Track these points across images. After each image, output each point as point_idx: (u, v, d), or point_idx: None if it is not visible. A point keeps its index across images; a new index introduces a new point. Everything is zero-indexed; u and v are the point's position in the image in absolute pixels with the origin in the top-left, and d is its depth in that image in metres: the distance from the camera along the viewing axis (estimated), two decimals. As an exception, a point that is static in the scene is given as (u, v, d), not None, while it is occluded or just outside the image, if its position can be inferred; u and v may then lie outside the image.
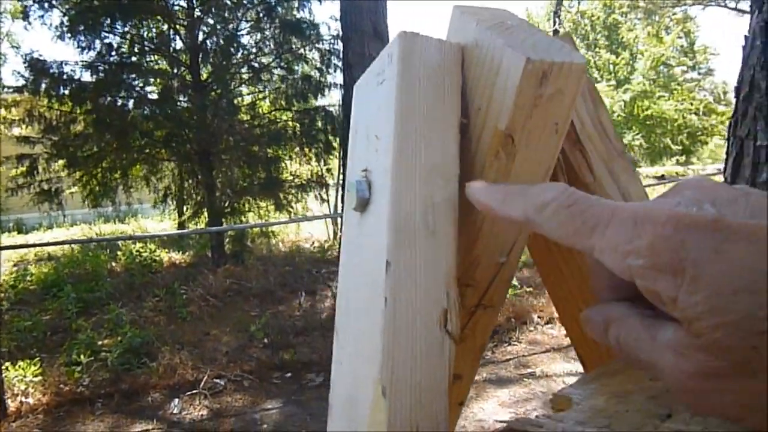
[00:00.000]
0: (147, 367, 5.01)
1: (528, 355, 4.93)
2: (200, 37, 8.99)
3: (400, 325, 0.36)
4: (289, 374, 4.98)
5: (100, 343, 5.35)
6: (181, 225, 10.46)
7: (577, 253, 0.47)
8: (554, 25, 16.09)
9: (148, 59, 9.56)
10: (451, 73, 0.40)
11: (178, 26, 9.01)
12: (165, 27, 9.20)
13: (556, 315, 5.64)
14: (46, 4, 8.39)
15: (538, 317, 5.73)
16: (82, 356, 4.96)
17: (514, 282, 5.76)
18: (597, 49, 26.05)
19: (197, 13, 8.87)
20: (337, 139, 9.23)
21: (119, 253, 9.11)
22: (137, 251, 9.00)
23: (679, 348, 0.25)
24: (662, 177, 20.17)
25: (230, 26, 8.91)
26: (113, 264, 8.73)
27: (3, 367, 4.58)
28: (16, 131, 9.11)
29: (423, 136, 0.39)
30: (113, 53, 8.90)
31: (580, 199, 0.29)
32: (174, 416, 4.35)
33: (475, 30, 0.40)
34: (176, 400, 4.55)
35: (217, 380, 4.83)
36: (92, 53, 8.62)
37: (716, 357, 0.23)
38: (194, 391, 4.64)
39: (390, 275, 0.36)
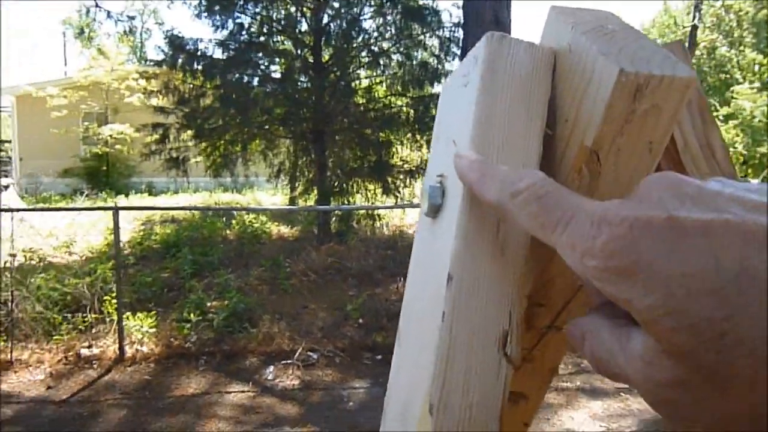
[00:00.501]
0: (248, 333, 5.29)
1: (628, 370, 4.68)
2: (324, 20, 9.25)
3: (456, 342, 0.34)
4: (379, 356, 5.06)
5: (208, 304, 5.72)
6: (292, 200, 10.91)
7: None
8: (693, 20, 14.87)
9: (275, 39, 9.97)
10: (540, 80, 0.38)
11: (304, 9, 9.32)
12: (293, 9, 9.54)
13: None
14: (188, -16, 8.98)
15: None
16: (192, 315, 5.33)
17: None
18: (741, 48, 23.89)
19: (323, -4, 9.11)
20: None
21: (234, 222, 9.66)
22: (250, 222, 9.50)
23: (647, 356, 0.23)
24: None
25: (354, 10, 9.07)
26: (227, 232, 9.26)
27: (124, 317, 5.03)
28: (154, 101, 9.87)
29: (501, 147, 0.37)
30: (243, 33, 9.38)
31: (553, 191, 0.28)
32: (267, 382, 4.57)
33: (569, 34, 0.37)
34: (271, 367, 4.78)
35: (311, 353, 5.01)
36: (225, 32, 9.14)
37: (683, 364, 0.22)
38: (288, 361, 4.85)
39: (450, 289, 0.35)
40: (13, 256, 6.25)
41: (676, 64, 0.33)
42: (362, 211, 9.51)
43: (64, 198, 14.07)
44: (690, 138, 0.39)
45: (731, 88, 21.04)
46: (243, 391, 4.43)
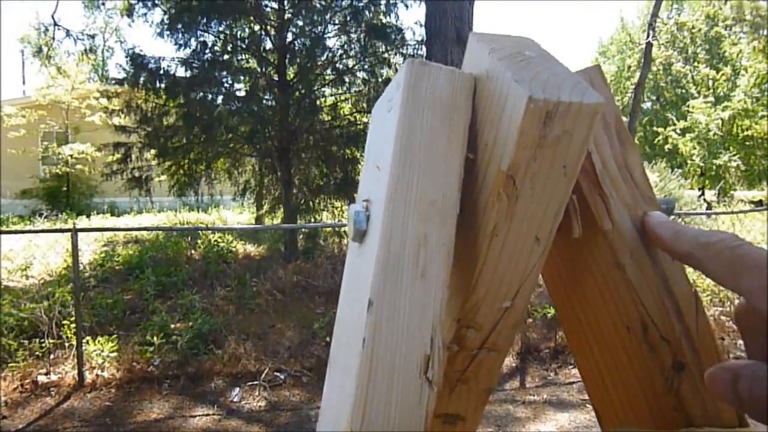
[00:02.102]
0: (213, 354, 5.20)
1: (593, 381, 4.74)
2: (289, 38, 9.26)
3: (376, 367, 0.34)
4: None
5: (172, 326, 5.60)
6: (259, 219, 10.81)
7: (594, 297, 0.43)
8: (648, 37, 15.35)
9: (239, 57, 9.93)
10: (460, 105, 0.38)
11: (268, 27, 9.32)
12: (257, 27, 9.53)
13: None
14: (149, 3, 8.90)
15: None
16: (155, 337, 5.21)
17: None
18: (696, 63, 24.73)
19: (288, 15, 9.13)
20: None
21: (199, 241, 9.51)
22: (215, 241, 9.37)
23: None
24: (759, 203, 18.87)
25: (318, 29, 9.10)
26: (192, 252, 9.11)
27: (84, 341, 4.89)
28: (116, 120, 9.70)
29: (422, 171, 0.37)
30: (207, 51, 9.32)
31: (744, 244, 0.31)
32: (234, 404, 4.49)
33: (488, 60, 0.38)
34: (237, 389, 4.69)
35: (278, 373, 4.94)
36: (188, 50, 9.07)
37: None
38: (255, 382, 4.77)
39: (371, 314, 0.35)
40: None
41: (586, 90, 0.33)
42: (329, 229, 9.48)
43: (23, 220, 13.65)
44: (608, 160, 0.40)
45: (687, 103, 21.75)
46: (208, 414, 4.33)
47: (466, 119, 0.38)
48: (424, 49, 8.27)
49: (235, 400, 4.56)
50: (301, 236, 9.29)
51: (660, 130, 21.23)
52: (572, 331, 0.47)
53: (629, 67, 26.53)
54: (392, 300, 0.35)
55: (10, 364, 4.81)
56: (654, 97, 26.52)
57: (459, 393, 0.46)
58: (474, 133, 0.39)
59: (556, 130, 0.33)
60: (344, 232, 10.08)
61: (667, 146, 21.15)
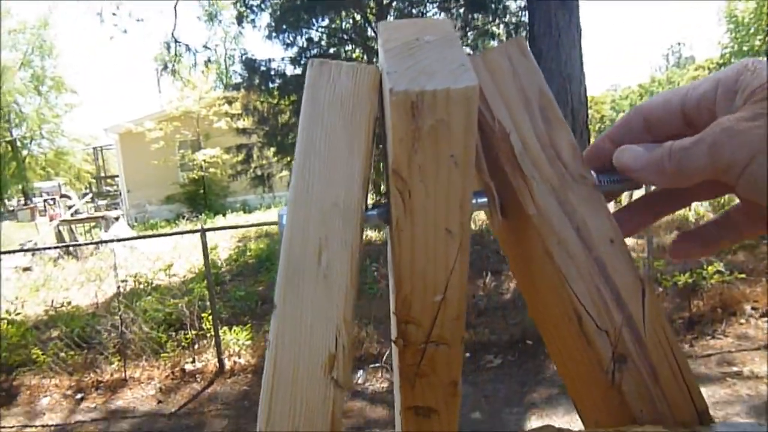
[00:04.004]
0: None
1: (735, 351, 4.34)
2: (390, 22, 9.31)
3: (282, 368, 0.35)
4: (468, 354, 5.02)
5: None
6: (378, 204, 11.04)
7: (538, 284, 0.41)
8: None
9: (345, 49, 10.17)
10: (363, 101, 0.38)
11: (369, 15, 9.43)
12: (358, 17, 9.69)
13: (775, 307, 4.87)
14: (255, 8, 9.35)
15: (752, 308, 4.99)
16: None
17: (721, 268, 5.06)
18: None
19: (385, 0, 9.18)
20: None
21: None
22: (337, 229, 9.70)
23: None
24: None
25: (416, 9, 9.06)
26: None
27: (221, 331, 5.32)
28: (239, 124, 10.37)
29: (323, 173, 0.37)
30: (313, 47, 9.63)
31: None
32: (358, 386, 4.66)
33: (381, 51, 0.37)
34: (361, 371, 4.87)
35: (398, 355, 5.05)
36: (295, 48, 9.43)
37: None
38: (377, 364, 4.91)
39: (276, 317, 0.35)
40: (124, 281, 6.80)
41: (460, 75, 0.32)
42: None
43: (169, 223, 15.05)
44: (530, 140, 0.38)
45: None
46: (335, 397, 4.54)
47: (371, 114, 0.38)
48: (526, 14, 7.95)
49: (359, 381, 4.74)
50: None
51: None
52: (535, 317, 0.45)
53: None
54: (295, 302, 0.35)
55: (162, 355, 5.35)
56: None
57: (421, 386, 0.46)
58: (385, 128, 0.38)
59: (430, 121, 0.31)
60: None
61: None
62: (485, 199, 0.39)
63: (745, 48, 21.75)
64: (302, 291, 0.36)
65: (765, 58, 0.35)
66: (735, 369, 4.13)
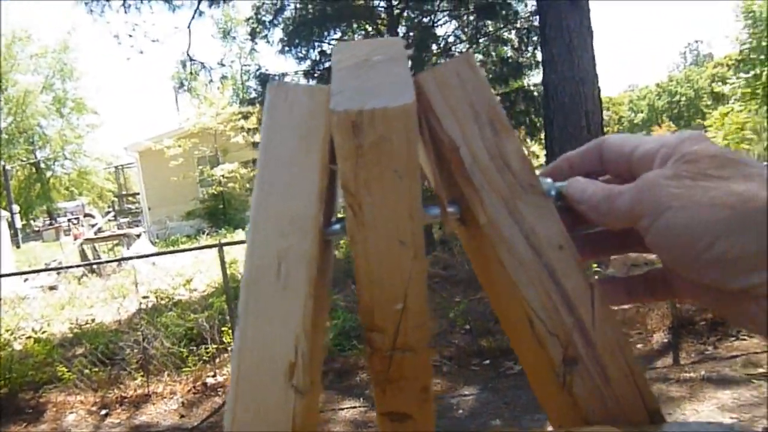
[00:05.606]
0: (357, 350, 5.43)
1: (760, 353, 4.25)
2: (401, 32, 9.36)
3: (244, 376, 0.36)
4: (487, 361, 5.00)
5: (318, 325, 5.93)
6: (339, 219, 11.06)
7: (495, 290, 0.42)
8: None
9: (357, 60, 10.22)
10: (319, 121, 0.39)
11: (380, 25, 9.50)
12: (369, 28, 9.76)
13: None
14: (268, 24, 9.48)
15: (778, 308, 4.89)
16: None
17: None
18: None
19: (396, 10, 9.23)
20: (541, 120, 8.92)
21: (341, 242, 9.89)
22: (354, 240, 9.74)
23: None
24: None
25: (427, 18, 9.11)
26: (336, 252, 9.53)
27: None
28: (255, 138, 10.48)
29: (282, 188, 0.39)
30: (326, 59, 9.71)
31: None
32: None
33: (332, 71, 0.39)
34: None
35: (418, 364, 5.04)
36: (308, 62, 9.53)
37: None
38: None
39: (239, 327, 0.37)
40: (146, 297, 6.90)
41: (399, 95, 0.33)
42: (462, 216, 9.44)
43: (189, 239, 15.22)
44: (479, 152, 0.39)
45: None
46: (355, 407, 4.55)
47: (326, 134, 0.39)
48: (537, 19, 7.94)
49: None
50: (436, 226, 9.36)
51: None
52: (500, 320, 0.46)
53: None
54: (256, 313, 0.37)
55: (184, 369, 5.41)
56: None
57: (392, 392, 0.47)
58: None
59: (371, 137, 0.33)
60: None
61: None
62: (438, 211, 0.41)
63: (764, 43, 21.40)
64: (263, 302, 0.37)
65: (705, 131, 0.37)
66: (761, 370, 4.05)
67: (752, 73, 19.00)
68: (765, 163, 0.35)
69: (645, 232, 0.34)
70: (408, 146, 0.34)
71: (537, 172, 0.44)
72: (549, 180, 0.42)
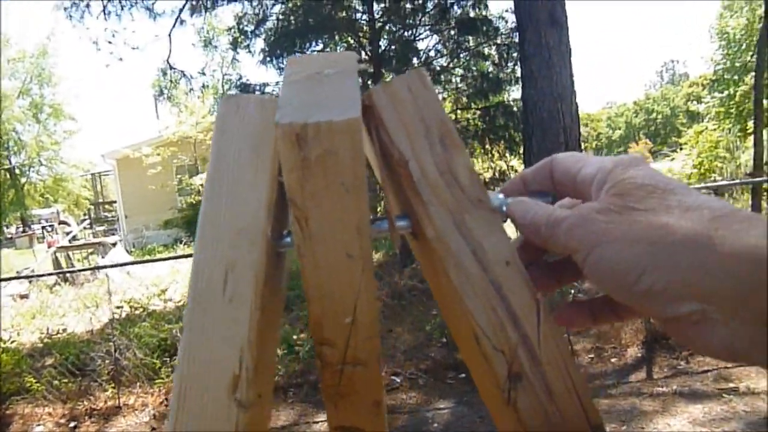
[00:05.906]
0: (333, 361, 5.39)
1: (732, 368, 4.32)
2: (382, 46, 9.41)
3: (186, 389, 0.36)
4: (463, 375, 4.99)
5: (294, 337, 5.89)
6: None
7: (444, 304, 0.43)
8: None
9: (339, 72, 10.25)
10: (269, 133, 0.39)
11: (362, 39, 9.54)
12: (351, 41, 9.80)
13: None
14: (250, 35, 9.47)
15: (748, 324, 4.97)
16: (278, 349, 5.51)
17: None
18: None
19: (378, 24, 9.29)
20: (520, 135, 9.02)
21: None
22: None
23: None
24: None
25: (408, 32, 9.18)
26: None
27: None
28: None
29: (229, 200, 0.38)
30: (307, 71, 9.72)
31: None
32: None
33: (282, 84, 0.39)
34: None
35: (394, 377, 5.03)
36: (289, 73, 9.51)
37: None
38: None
39: (184, 339, 0.37)
40: (120, 307, 6.78)
41: (346, 109, 0.33)
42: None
43: (167, 248, 15.05)
44: (428, 166, 0.39)
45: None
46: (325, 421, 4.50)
47: (275, 146, 0.39)
48: (517, 35, 8.05)
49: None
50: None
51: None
52: (452, 334, 0.46)
53: (761, 18, 23.92)
54: (201, 326, 0.37)
55: (156, 381, 5.32)
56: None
57: (344, 406, 0.47)
58: None
59: (317, 151, 0.33)
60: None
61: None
62: (385, 223, 0.41)
63: (737, 64, 21.93)
64: (209, 314, 0.37)
65: (647, 155, 0.37)
66: (732, 385, 4.11)
67: (726, 93, 19.47)
68: (701, 185, 0.35)
69: (581, 265, 0.35)
70: (354, 160, 0.34)
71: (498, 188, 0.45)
72: (501, 196, 0.42)
